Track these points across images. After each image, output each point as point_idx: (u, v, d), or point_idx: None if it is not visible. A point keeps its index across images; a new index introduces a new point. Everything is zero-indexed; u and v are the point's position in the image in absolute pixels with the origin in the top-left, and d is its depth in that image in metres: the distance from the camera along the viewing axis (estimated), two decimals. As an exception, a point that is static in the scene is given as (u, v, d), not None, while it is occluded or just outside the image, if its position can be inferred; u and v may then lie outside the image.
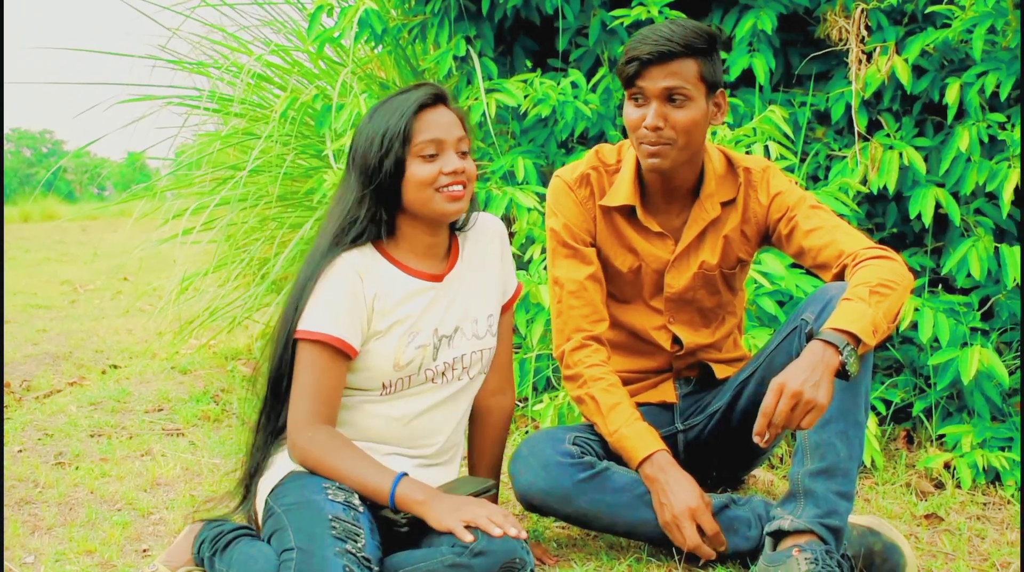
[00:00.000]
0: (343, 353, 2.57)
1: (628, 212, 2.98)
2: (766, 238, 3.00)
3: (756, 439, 2.41)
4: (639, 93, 2.79)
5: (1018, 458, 3.47)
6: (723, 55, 4.24)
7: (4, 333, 5.26)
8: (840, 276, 2.76)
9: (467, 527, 2.40)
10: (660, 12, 4.17)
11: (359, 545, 2.34)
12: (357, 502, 2.47)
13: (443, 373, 2.70)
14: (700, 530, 2.72)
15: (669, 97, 2.77)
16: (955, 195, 3.95)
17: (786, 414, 2.37)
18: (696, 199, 2.97)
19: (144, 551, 2.95)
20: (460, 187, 2.59)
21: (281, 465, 2.60)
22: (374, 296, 2.60)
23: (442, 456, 2.74)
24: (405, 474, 2.50)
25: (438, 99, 2.62)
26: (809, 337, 2.49)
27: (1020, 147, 3.73)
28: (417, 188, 2.57)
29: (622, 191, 2.96)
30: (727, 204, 2.98)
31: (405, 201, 2.60)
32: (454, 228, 2.79)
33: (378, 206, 2.60)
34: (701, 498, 2.73)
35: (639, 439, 2.81)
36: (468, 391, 2.79)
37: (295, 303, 2.59)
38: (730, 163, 2.99)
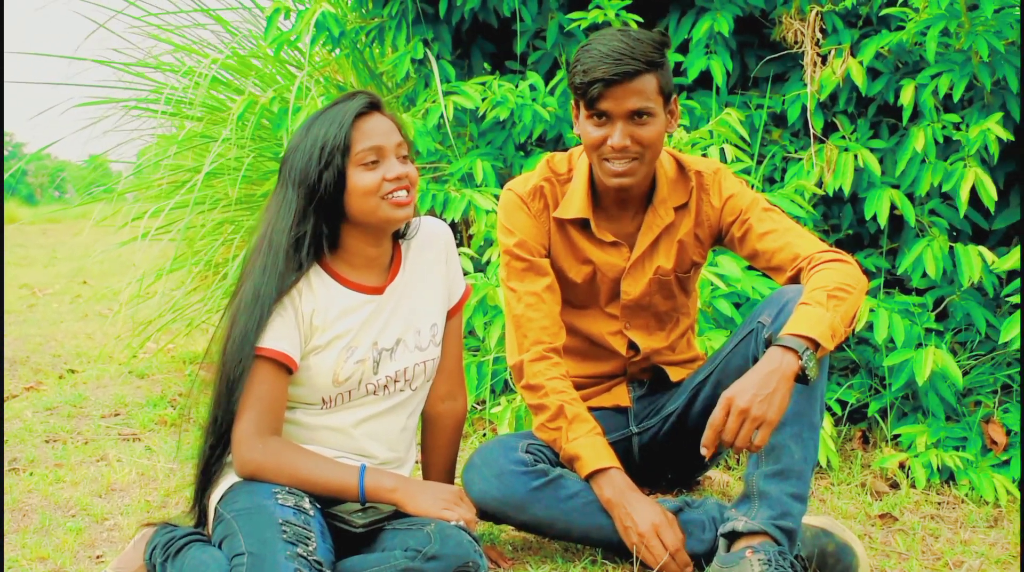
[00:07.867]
0: (285, 367, 2.56)
1: (582, 224, 2.97)
2: (718, 240, 3.01)
3: (703, 450, 2.44)
4: (602, 113, 2.76)
5: (972, 458, 3.50)
6: (680, 57, 4.28)
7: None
8: (795, 279, 2.77)
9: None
10: (617, 15, 4.18)
11: (310, 548, 2.33)
12: (307, 505, 2.46)
13: (385, 386, 2.68)
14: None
15: (634, 116, 2.75)
16: (910, 196, 3.98)
17: (734, 432, 2.40)
18: (649, 205, 2.96)
19: (98, 557, 2.92)
20: (405, 193, 2.56)
21: (232, 474, 2.58)
22: (312, 312, 2.58)
23: (390, 464, 2.72)
24: (366, 466, 2.53)
25: (373, 107, 2.59)
26: (768, 343, 2.50)
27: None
28: (362, 197, 2.53)
29: (575, 203, 2.94)
30: (680, 208, 2.97)
31: (349, 212, 2.57)
32: (397, 236, 2.75)
33: (321, 220, 2.56)
34: (664, 514, 2.71)
35: (594, 450, 2.79)
36: (412, 401, 2.77)
37: (256, 319, 2.52)
38: (680, 167, 2.99)
